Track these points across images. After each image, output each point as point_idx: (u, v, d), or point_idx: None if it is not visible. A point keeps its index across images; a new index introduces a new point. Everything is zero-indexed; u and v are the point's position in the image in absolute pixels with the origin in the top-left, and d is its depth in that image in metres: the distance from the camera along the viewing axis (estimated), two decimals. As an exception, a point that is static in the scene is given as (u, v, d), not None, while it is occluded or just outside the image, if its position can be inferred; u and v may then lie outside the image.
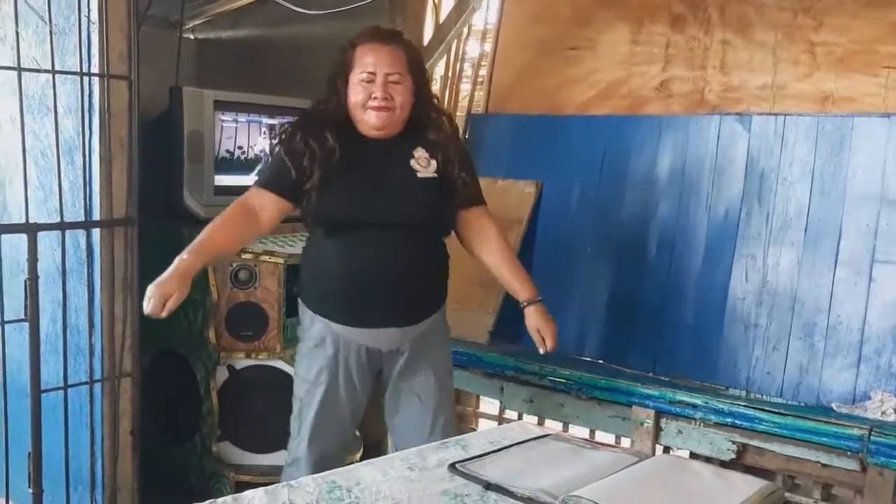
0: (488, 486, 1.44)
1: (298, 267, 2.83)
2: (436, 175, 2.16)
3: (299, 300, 2.29)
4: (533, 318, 2.32)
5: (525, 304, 2.32)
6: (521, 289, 2.33)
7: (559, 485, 1.40)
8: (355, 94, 2.11)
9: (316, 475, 1.45)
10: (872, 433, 2.29)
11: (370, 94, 2.09)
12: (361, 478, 1.45)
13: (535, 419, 3.19)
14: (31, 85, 2.38)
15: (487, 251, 2.32)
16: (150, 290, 1.91)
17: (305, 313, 2.24)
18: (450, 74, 3.65)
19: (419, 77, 2.20)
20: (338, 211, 2.12)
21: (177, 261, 1.98)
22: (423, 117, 2.21)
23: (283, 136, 2.21)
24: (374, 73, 2.09)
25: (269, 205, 2.15)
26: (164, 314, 1.91)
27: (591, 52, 3.14)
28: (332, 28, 3.13)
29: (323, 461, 2.16)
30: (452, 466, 1.52)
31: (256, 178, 2.44)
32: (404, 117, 2.16)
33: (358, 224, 2.11)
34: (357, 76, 2.11)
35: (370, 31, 2.24)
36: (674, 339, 2.83)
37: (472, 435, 1.77)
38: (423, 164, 2.16)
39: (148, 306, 1.90)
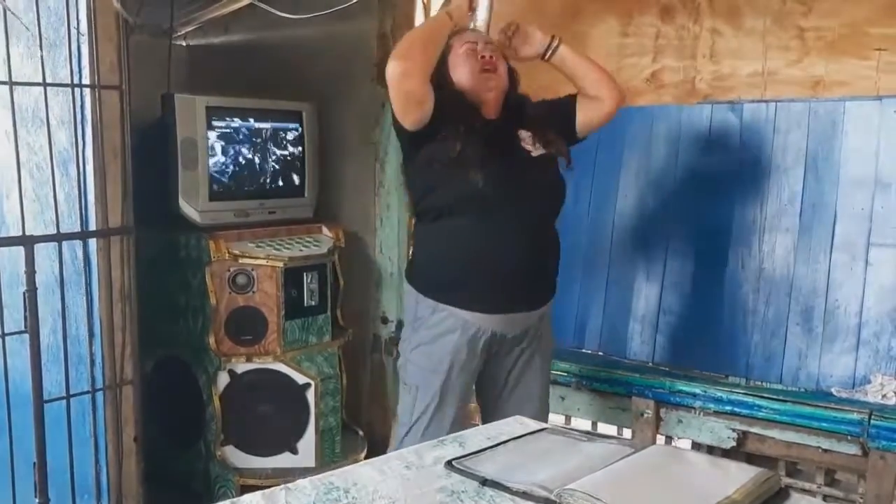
0: (484, 482, 1.44)
1: (297, 270, 2.88)
2: (545, 151, 2.18)
3: (412, 288, 2.23)
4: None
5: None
6: None
7: (554, 478, 1.40)
8: (465, 66, 2.15)
9: (313, 477, 1.45)
10: (872, 417, 2.30)
11: (479, 56, 2.14)
12: (359, 478, 1.46)
13: (537, 413, 3.21)
14: (24, 98, 2.39)
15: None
16: None
17: (422, 302, 2.18)
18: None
19: (509, 65, 2.25)
20: (460, 193, 2.08)
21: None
22: (513, 103, 2.24)
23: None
24: (475, 42, 2.17)
25: None
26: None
27: (581, 45, 3.12)
28: (324, 29, 3.13)
29: None
30: (449, 463, 1.52)
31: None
32: (504, 89, 2.20)
33: (480, 206, 2.08)
34: (458, 50, 2.16)
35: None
36: (672, 328, 2.84)
37: (469, 431, 1.77)
38: (531, 144, 2.17)
39: None
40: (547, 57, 2.24)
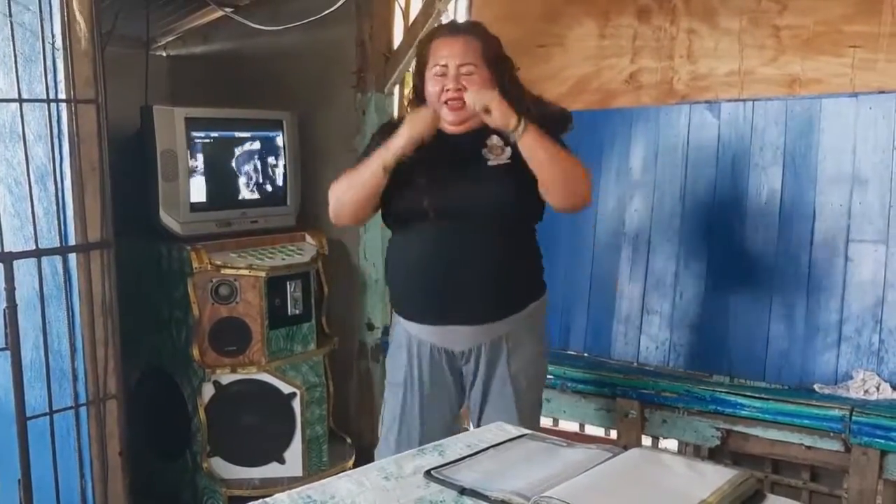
0: (463, 491, 1.44)
1: (280, 279, 2.88)
2: (510, 161, 2.05)
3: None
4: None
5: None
6: None
7: (532, 486, 1.41)
8: (431, 90, 2.07)
9: (291, 490, 1.45)
10: (854, 413, 2.31)
11: (443, 88, 2.04)
12: (336, 490, 1.46)
13: (525, 416, 3.21)
14: (1, 114, 2.39)
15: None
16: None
17: (393, 314, 2.28)
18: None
19: (499, 66, 2.10)
20: (400, 205, 2.09)
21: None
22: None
23: (377, 131, 2.23)
24: (446, 66, 2.04)
25: None
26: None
27: (560, 48, 3.15)
28: (303, 38, 3.14)
29: None
30: (428, 473, 1.53)
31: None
32: (474, 117, 2.07)
33: (421, 217, 2.05)
34: (431, 71, 2.07)
35: (445, 25, 2.27)
36: (656, 328, 2.85)
37: (449, 440, 1.77)
38: (497, 153, 2.06)
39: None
40: (512, 141, 2.03)
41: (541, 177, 2.02)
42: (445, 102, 2.05)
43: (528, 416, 2.18)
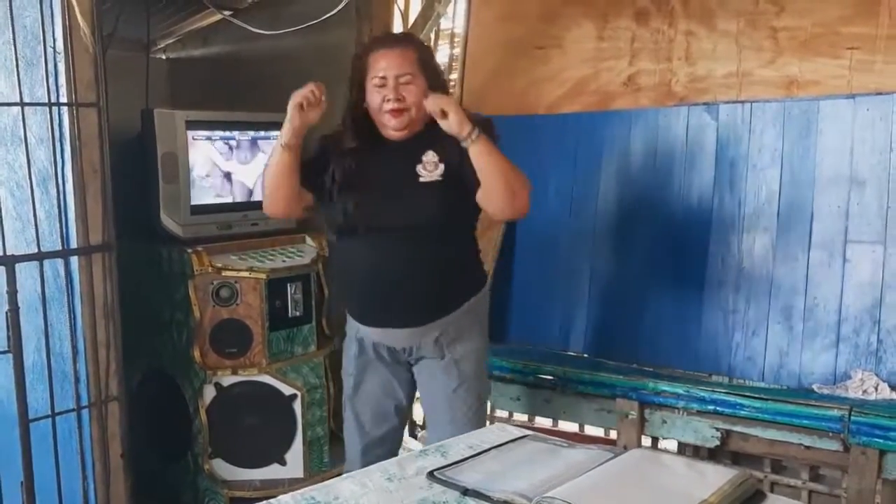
0: (465, 492, 1.46)
1: (281, 281, 2.89)
2: (441, 178, 2.17)
3: None
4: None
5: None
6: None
7: (534, 486, 1.43)
8: (372, 100, 2.18)
9: (294, 492, 1.47)
10: (853, 413, 2.32)
11: (384, 98, 2.15)
12: (340, 492, 1.47)
13: (524, 417, 3.23)
14: (2, 118, 2.39)
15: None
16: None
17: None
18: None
19: (433, 75, 2.22)
20: (335, 222, 2.25)
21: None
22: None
23: (320, 138, 2.34)
24: (385, 78, 2.15)
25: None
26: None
27: (558, 50, 3.16)
28: (303, 39, 3.14)
29: (369, 451, 2.35)
30: (431, 474, 1.54)
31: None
32: (422, 115, 2.18)
33: (354, 232, 2.21)
34: (371, 82, 2.18)
35: (380, 37, 2.39)
36: (655, 328, 2.86)
37: (451, 440, 1.79)
38: (430, 169, 2.17)
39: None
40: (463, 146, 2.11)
41: (486, 185, 2.12)
42: (388, 112, 2.16)
43: (475, 404, 2.30)
